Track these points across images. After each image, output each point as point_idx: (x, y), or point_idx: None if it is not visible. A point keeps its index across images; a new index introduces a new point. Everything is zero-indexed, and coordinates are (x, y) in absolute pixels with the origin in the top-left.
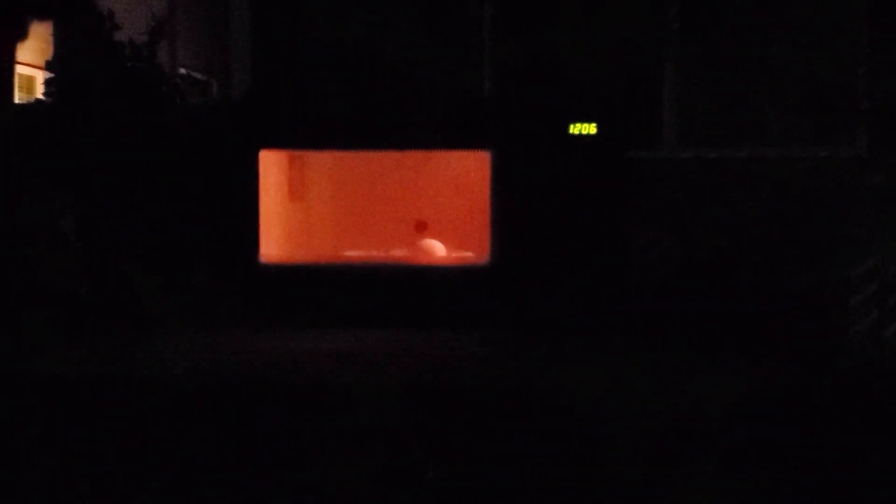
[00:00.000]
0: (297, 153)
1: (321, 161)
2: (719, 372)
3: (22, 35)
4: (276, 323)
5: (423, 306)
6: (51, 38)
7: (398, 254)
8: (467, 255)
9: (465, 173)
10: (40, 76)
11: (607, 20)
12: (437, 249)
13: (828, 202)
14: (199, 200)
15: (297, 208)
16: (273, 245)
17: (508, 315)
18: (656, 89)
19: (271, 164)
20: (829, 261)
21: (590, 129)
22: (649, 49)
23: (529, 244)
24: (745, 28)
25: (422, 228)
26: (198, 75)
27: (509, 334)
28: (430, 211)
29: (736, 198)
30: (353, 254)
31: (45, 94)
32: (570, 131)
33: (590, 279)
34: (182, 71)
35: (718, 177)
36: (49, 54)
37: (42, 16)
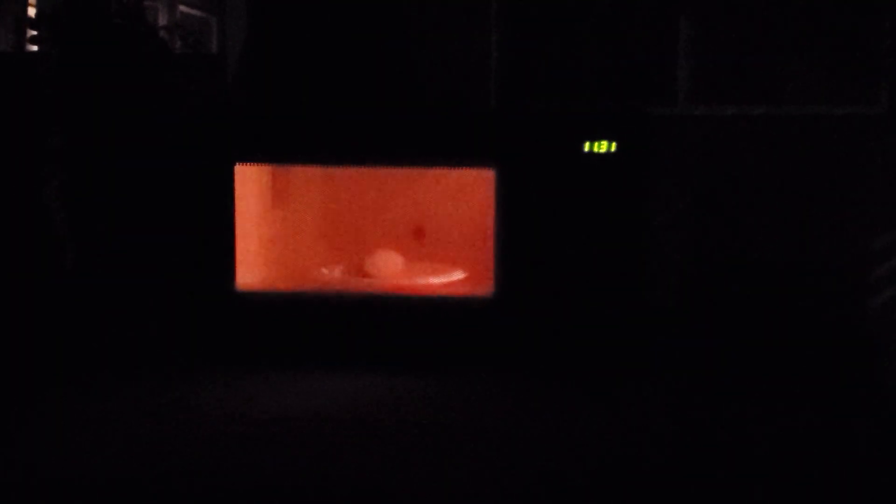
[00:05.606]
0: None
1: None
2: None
3: None
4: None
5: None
6: None
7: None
8: (465, 287)
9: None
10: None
11: None
12: (393, 263)
13: (846, 164)
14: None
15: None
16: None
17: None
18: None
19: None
20: (848, 229)
21: (609, 146)
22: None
23: (537, 274)
24: None
25: (420, 236)
26: (196, 13)
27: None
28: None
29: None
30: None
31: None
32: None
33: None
34: (182, 8)
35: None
36: None
37: None
